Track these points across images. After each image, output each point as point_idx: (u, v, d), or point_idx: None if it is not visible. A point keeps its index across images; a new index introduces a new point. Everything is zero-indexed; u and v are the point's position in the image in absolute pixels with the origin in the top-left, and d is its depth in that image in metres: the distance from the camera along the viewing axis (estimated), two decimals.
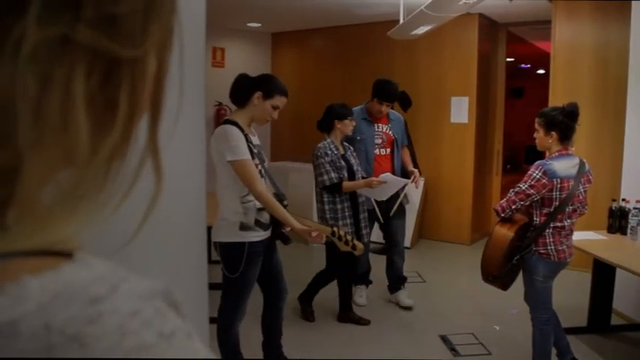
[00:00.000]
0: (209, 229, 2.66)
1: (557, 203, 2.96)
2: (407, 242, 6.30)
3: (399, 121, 4.52)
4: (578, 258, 3.69)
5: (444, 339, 3.91)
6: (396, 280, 4.56)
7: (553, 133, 2.99)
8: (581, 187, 3.00)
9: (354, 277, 4.36)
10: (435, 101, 6.55)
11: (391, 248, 4.53)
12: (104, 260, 0.35)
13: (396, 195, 4.28)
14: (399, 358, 3.65)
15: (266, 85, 2.92)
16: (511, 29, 6.92)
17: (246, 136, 2.84)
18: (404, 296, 4.54)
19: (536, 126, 3.06)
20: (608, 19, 5.13)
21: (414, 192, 6.24)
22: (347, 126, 3.91)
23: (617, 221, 3.94)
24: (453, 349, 3.76)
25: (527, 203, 3.00)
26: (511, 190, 3.04)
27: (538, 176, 2.94)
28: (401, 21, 4.61)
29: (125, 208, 0.38)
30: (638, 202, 3.84)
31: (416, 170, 4.37)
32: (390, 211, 4.37)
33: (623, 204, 3.95)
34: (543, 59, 7.10)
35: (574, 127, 3.00)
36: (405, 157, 4.55)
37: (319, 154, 3.86)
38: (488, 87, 6.73)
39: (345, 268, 4.02)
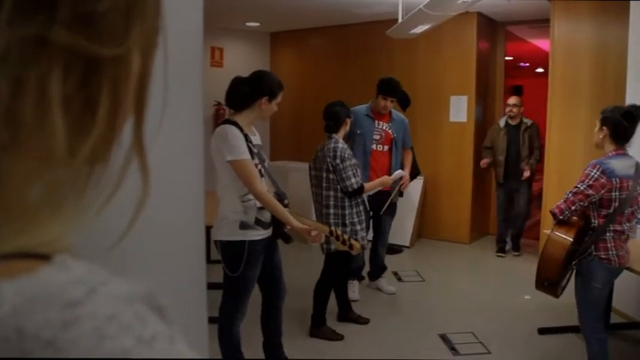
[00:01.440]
0: (208, 228, 2.66)
1: (616, 204, 2.82)
2: (406, 241, 6.32)
3: (402, 123, 4.57)
4: None
5: (444, 338, 3.91)
6: (378, 268, 4.84)
7: (605, 128, 2.91)
8: (639, 188, 2.88)
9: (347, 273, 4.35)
10: (433, 100, 6.55)
11: (377, 238, 4.73)
12: (85, 263, 0.34)
13: (388, 194, 4.36)
14: (398, 358, 3.65)
15: (269, 88, 2.91)
16: (509, 28, 6.91)
17: (246, 135, 2.83)
18: (386, 283, 4.87)
19: (596, 121, 2.99)
20: (607, 18, 5.13)
21: (413, 191, 6.24)
22: (349, 124, 3.90)
23: None
24: (452, 349, 3.76)
25: (585, 204, 2.86)
26: (568, 191, 2.91)
27: (596, 175, 2.80)
28: (399, 20, 4.61)
29: (123, 208, 0.38)
30: None
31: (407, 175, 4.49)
32: (380, 209, 4.46)
33: None
34: (542, 58, 7.10)
35: (626, 126, 2.89)
36: (406, 160, 4.60)
37: (346, 155, 3.61)
38: (487, 85, 6.73)
39: (341, 268, 3.99)
